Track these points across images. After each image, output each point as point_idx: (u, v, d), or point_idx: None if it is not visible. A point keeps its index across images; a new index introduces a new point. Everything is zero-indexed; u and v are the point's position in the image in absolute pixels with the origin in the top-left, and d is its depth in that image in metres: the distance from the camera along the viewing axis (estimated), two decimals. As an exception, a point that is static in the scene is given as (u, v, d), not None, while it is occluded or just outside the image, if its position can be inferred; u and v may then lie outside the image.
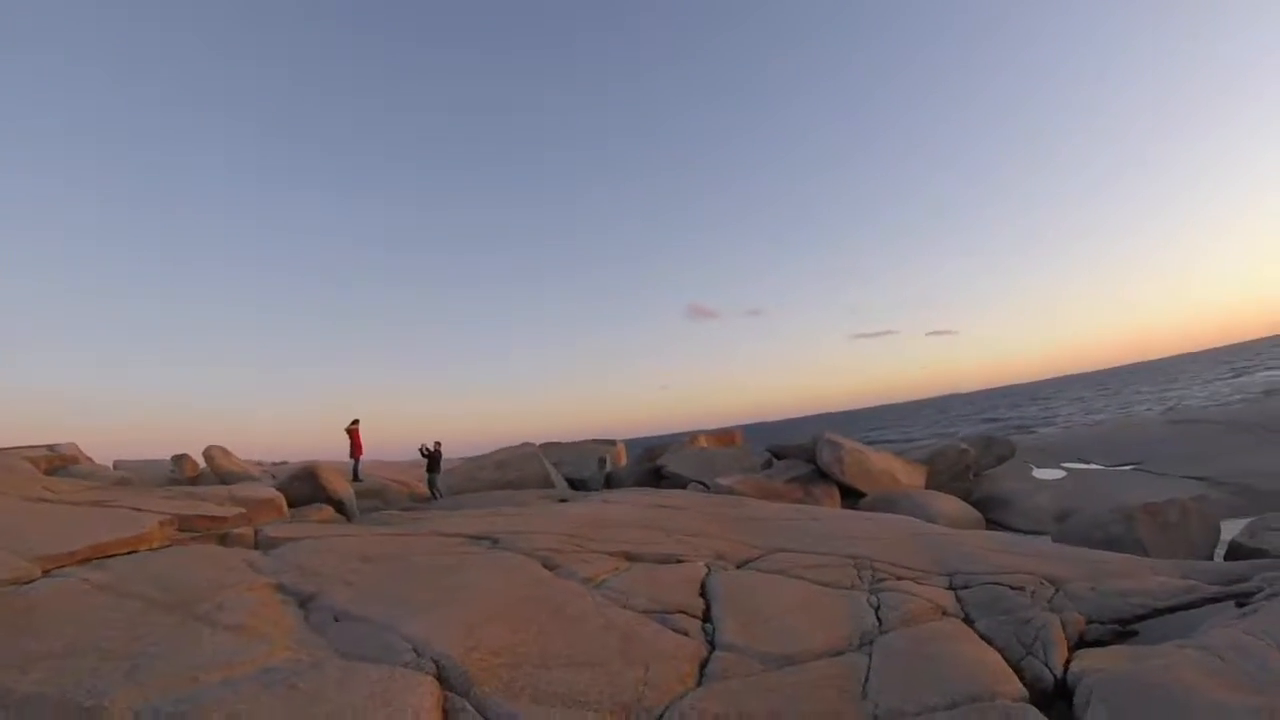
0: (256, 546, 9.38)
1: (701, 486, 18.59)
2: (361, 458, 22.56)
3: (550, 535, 9.56)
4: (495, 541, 9.26)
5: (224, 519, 11.27)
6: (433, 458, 21.88)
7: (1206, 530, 14.57)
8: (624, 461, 32.07)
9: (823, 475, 18.95)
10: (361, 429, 22.83)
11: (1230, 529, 14.45)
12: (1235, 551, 12.89)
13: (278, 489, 15.68)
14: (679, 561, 8.74)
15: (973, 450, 23.37)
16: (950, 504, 18.20)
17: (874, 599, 7.84)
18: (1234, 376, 78.84)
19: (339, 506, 16.37)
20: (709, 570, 8.41)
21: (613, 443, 43.48)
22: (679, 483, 19.99)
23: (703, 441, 23.98)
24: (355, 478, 21.65)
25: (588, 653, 5.56)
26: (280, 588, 7.17)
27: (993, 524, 19.39)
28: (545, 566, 7.91)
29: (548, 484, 21.51)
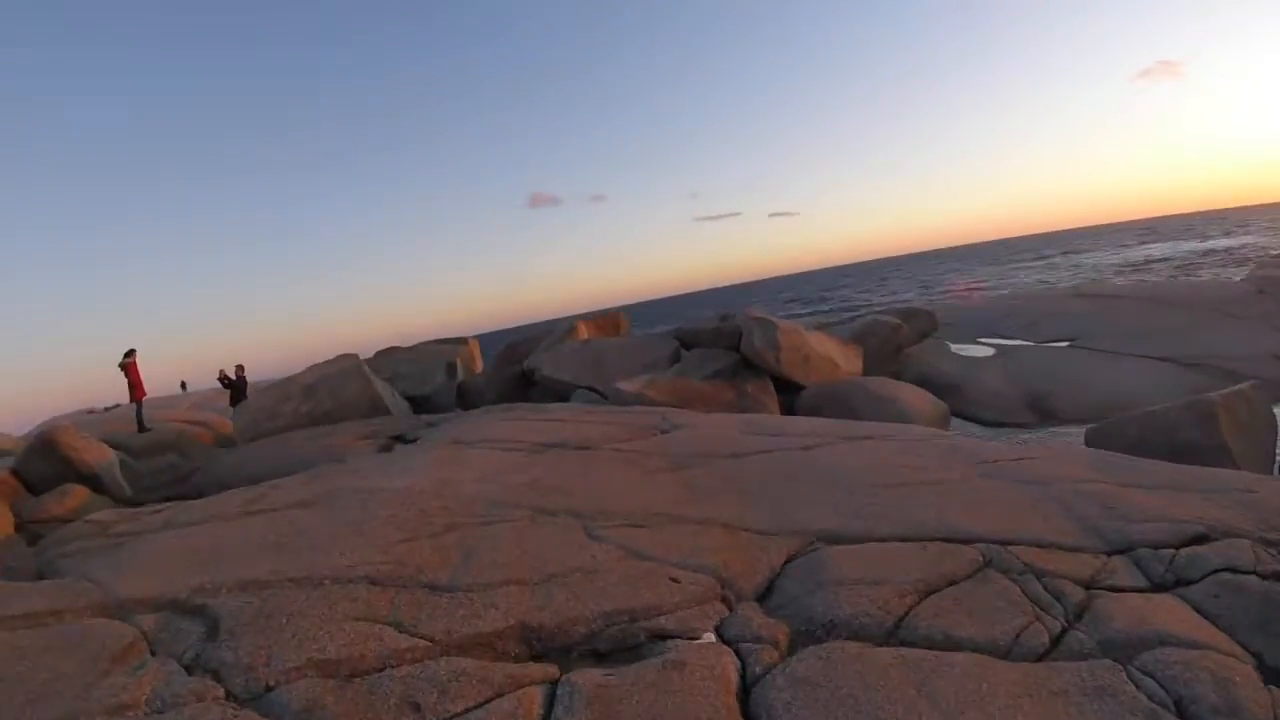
0: None
1: (594, 395, 13.51)
2: (145, 399, 17.47)
3: (343, 584, 4.13)
4: (211, 629, 3.78)
5: None
6: (235, 387, 17.56)
7: (1270, 428, 11.34)
8: (480, 366, 26.36)
9: (748, 365, 14.25)
10: (140, 361, 17.39)
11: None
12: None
13: (14, 470, 11.94)
14: (655, 638, 3.62)
15: (905, 325, 19.40)
16: (918, 397, 14.11)
17: (1151, 683, 3.19)
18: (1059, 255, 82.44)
19: (96, 483, 12.21)
20: (741, 662, 3.35)
21: (463, 341, 37.07)
22: (559, 391, 14.76)
23: (583, 331, 18.56)
24: (141, 427, 16.62)
25: None
26: None
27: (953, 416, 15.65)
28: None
29: (378, 409, 15.75)
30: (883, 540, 5.07)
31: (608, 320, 20.25)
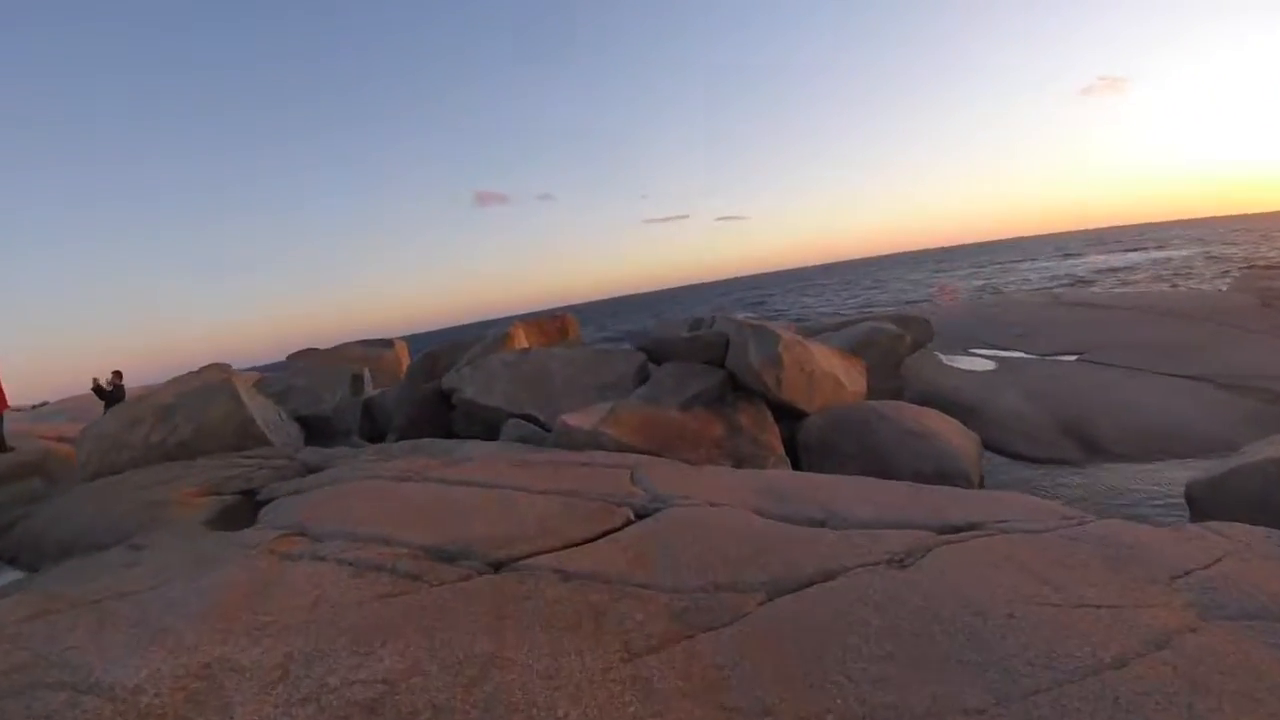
0: None
1: (533, 427, 9.98)
2: (6, 412, 14.10)
3: None
4: None
5: None
6: (111, 398, 14.15)
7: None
8: (406, 367, 22.45)
9: (735, 385, 10.90)
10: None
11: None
12: None
13: None
14: None
15: (907, 334, 16.32)
16: (954, 431, 11.00)
17: None
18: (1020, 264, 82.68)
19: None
20: None
21: (389, 343, 32.70)
22: (486, 420, 11.12)
23: (521, 338, 14.70)
24: (2, 446, 13.43)
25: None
26: None
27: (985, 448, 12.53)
28: None
29: (251, 437, 12.05)
30: None
31: (553, 323, 16.42)
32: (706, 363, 11.25)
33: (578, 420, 8.63)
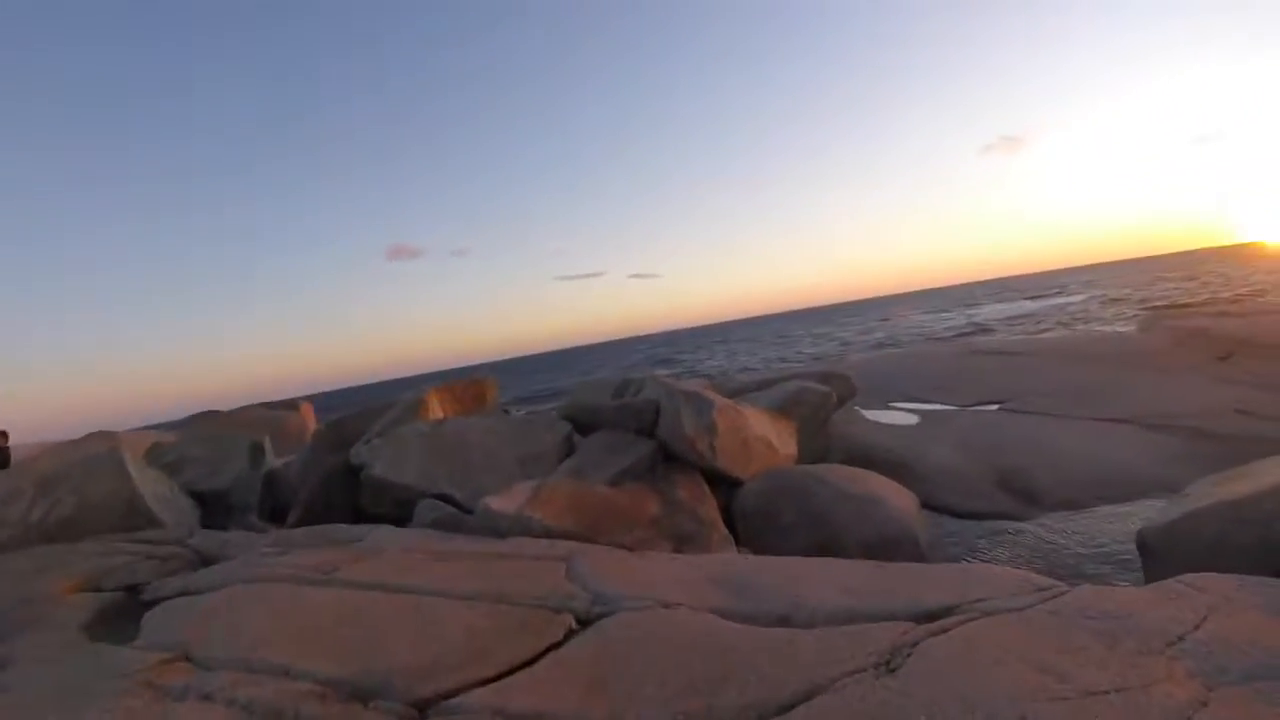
0: None
1: (447, 508, 9.10)
2: None
3: None
4: None
5: None
6: None
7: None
8: (312, 429, 21.03)
9: (668, 455, 10.31)
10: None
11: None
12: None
13: None
14: None
15: (834, 391, 16.06)
16: (895, 492, 10.65)
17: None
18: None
19: None
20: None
21: (294, 405, 31.07)
22: (399, 498, 10.17)
23: (436, 407, 13.67)
24: None
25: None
26: None
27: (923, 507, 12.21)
28: None
29: (140, 516, 10.78)
30: None
31: (468, 389, 15.41)
32: (636, 431, 10.65)
33: (501, 504, 7.85)
